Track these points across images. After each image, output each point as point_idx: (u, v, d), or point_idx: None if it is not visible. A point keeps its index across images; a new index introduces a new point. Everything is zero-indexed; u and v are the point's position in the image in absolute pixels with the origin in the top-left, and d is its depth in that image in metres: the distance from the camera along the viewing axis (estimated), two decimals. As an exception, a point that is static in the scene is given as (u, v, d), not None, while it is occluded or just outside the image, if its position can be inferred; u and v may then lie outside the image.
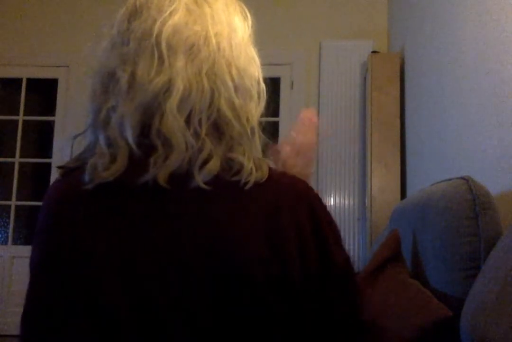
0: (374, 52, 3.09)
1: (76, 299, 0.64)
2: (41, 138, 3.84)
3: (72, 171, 0.71)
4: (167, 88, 0.67)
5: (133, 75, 0.68)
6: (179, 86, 0.66)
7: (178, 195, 0.66)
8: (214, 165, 0.65)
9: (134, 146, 0.66)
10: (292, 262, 0.65)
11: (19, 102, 3.71)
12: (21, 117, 3.72)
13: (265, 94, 0.76)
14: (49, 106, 3.69)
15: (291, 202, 0.67)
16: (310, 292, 0.67)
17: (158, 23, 0.69)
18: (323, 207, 0.72)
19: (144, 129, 0.67)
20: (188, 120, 0.66)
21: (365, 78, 3.24)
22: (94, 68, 0.73)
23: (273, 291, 0.64)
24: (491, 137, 1.52)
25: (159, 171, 0.64)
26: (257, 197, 0.66)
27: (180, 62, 0.68)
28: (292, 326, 0.66)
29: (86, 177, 0.66)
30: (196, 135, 0.66)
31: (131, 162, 0.66)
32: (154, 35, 0.69)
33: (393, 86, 2.87)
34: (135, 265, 0.64)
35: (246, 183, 0.66)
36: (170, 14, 0.70)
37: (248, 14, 0.78)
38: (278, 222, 0.65)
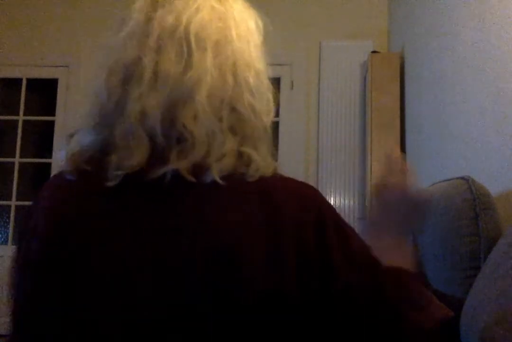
0: (374, 52, 3.09)
1: (71, 302, 0.62)
2: (41, 138, 3.84)
3: (79, 169, 0.68)
4: (196, 82, 0.66)
5: (158, 66, 0.67)
6: (207, 81, 0.66)
7: (193, 190, 0.64)
8: (230, 160, 0.65)
9: (158, 138, 0.64)
10: (289, 276, 0.61)
11: (19, 102, 3.71)
12: (21, 117, 3.72)
13: (272, 100, 0.75)
14: (49, 106, 3.68)
15: (296, 207, 0.64)
16: (310, 307, 0.62)
17: (185, 17, 0.69)
18: (332, 213, 0.67)
19: (168, 122, 0.65)
20: (212, 115, 0.66)
21: (365, 78, 3.24)
22: (109, 59, 0.70)
23: (269, 302, 0.60)
24: (491, 137, 1.52)
25: (180, 164, 0.63)
26: (262, 202, 0.64)
27: (208, 58, 0.68)
28: (292, 338, 0.62)
29: (109, 172, 0.64)
30: (219, 130, 0.66)
31: (152, 155, 0.64)
32: (182, 28, 0.68)
33: (393, 86, 2.87)
34: (136, 268, 0.62)
35: (250, 177, 0.64)
36: (197, 9, 0.70)
37: (260, 23, 0.77)
38: (279, 229, 0.62)
